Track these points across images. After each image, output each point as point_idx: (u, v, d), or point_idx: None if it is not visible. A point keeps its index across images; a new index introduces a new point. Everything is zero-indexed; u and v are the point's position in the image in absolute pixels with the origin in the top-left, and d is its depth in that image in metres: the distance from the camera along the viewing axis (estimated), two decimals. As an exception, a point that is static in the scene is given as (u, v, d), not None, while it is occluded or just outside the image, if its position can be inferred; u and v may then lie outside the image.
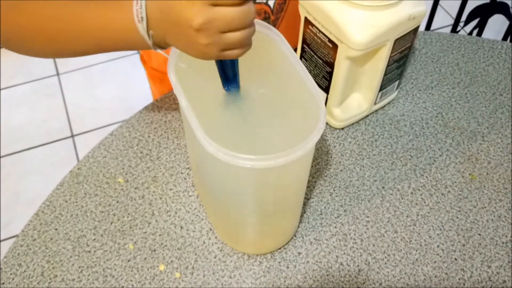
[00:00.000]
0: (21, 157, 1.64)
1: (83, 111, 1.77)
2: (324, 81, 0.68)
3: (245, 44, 0.44)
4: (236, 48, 0.43)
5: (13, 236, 1.45)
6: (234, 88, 0.51)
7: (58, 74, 1.88)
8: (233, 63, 0.48)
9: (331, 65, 0.65)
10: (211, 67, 0.49)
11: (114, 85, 1.84)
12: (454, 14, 1.36)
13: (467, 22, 1.25)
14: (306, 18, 0.65)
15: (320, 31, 0.64)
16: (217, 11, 0.40)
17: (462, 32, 1.62)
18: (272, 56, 0.53)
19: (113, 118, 1.73)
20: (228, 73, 0.49)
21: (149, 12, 0.43)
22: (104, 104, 1.78)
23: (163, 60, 0.81)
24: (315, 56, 0.68)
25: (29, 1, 0.48)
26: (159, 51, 0.48)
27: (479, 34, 1.28)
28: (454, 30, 1.35)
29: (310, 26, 0.65)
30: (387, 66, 0.67)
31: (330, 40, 0.63)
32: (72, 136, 1.70)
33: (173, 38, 0.45)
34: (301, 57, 0.71)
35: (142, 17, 0.44)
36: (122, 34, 0.46)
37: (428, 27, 1.39)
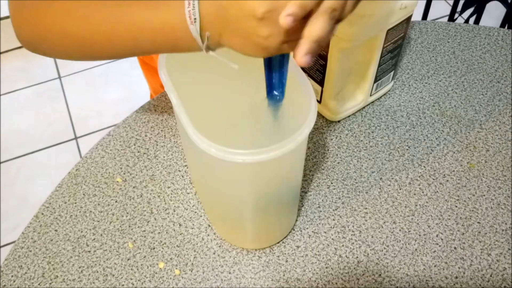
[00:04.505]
0: (26, 161, 1.66)
1: (86, 113, 1.77)
2: (319, 74, 0.68)
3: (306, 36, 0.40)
4: (296, 39, 0.40)
5: (20, 240, 1.46)
6: (278, 96, 0.49)
7: (60, 77, 1.89)
8: (283, 66, 0.46)
9: (325, 58, 0.65)
10: (207, 64, 0.48)
11: (116, 87, 1.85)
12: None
13: (463, 9, 1.24)
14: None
15: (311, 24, 0.63)
16: None
17: (459, 20, 1.61)
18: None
19: (115, 119, 1.74)
20: (276, 78, 0.47)
21: (203, 11, 0.40)
22: (107, 105, 1.79)
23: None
24: (308, 49, 0.67)
25: (62, 1, 0.45)
26: (211, 53, 0.44)
27: (477, 21, 1.27)
28: (451, 18, 1.34)
29: (302, 20, 0.65)
30: (381, 56, 0.67)
31: (322, 33, 0.63)
32: (76, 138, 1.71)
33: (229, 37, 0.41)
34: (295, 51, 0.71)
35: (195, 18, 0.40)
36: (171, 37, 0.43)
37: (425, 16, 1.38)
